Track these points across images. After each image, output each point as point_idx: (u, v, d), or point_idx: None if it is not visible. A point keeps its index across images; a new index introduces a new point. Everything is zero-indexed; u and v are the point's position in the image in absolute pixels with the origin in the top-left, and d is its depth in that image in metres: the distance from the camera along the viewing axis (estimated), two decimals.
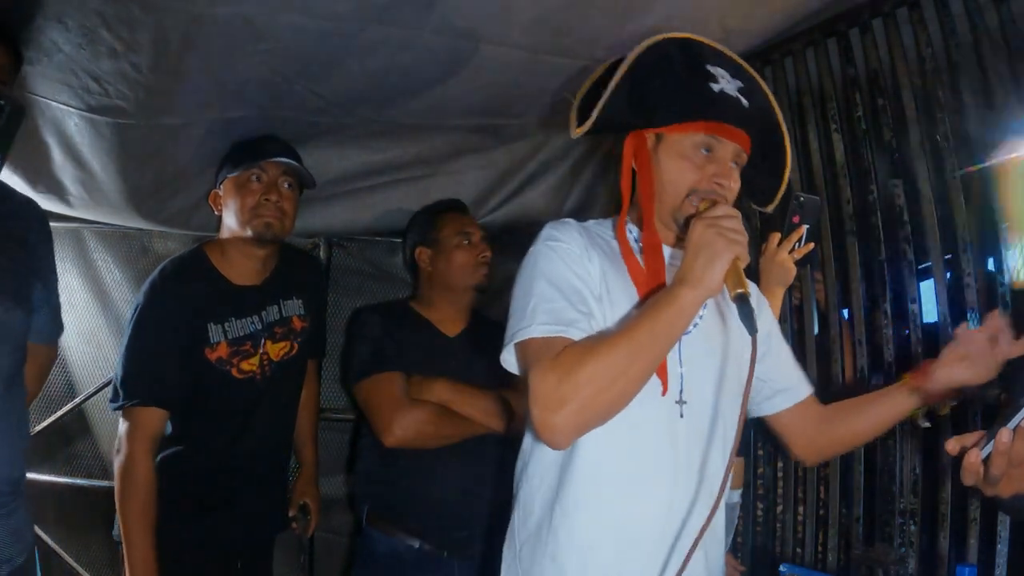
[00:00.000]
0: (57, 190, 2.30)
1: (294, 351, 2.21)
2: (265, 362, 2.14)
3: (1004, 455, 1.04)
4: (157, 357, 2.00)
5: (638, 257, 1.38)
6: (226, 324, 2.08)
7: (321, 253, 2.90)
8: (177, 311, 2.03)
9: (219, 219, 2.14)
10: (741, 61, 1.42)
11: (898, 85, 2.03)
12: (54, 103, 1.90)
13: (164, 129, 2.04)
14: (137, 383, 1.99)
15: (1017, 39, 1.78)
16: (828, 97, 2.21)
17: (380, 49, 1.82)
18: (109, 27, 1.62)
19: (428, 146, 2.43)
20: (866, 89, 2.12)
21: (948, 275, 1.97)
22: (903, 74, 2.01)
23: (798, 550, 2.23)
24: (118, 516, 1.96)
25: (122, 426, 1.99)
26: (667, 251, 1.41)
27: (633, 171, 1.41)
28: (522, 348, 1.27)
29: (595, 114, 1.35)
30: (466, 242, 2.28)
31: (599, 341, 1.19)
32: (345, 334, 2.50)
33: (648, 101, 1.35)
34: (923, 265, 2.06)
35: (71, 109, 1.91)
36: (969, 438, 1.09)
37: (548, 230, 1.38)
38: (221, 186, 2.13)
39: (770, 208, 1.54)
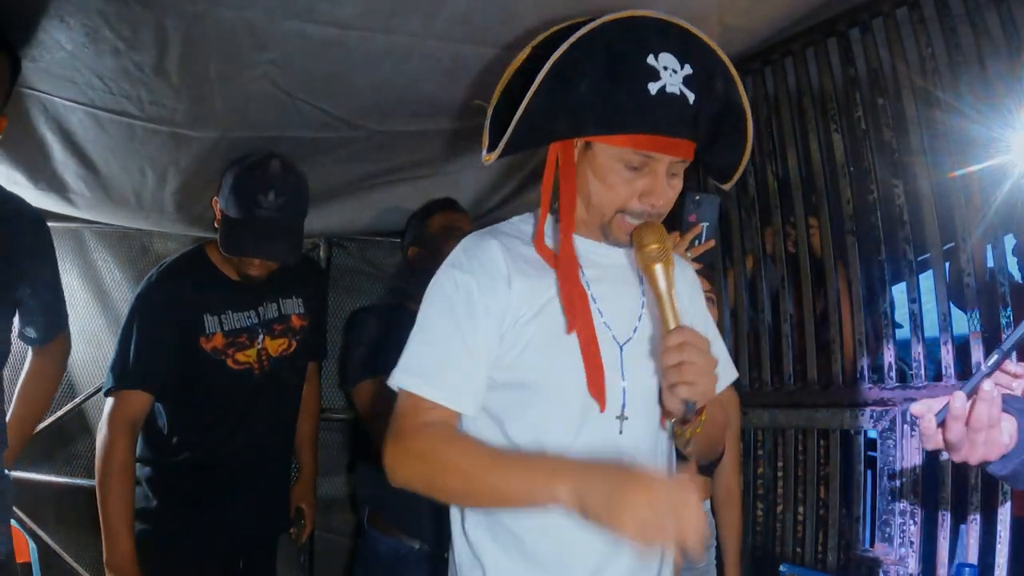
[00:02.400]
0: (58, 187, 2.30)
1: (292, 348, 2.22)
2: (263, 357, 2.16)
3: (959, 420, 1.00)
4: (147, 343, 2.04)
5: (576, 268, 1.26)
6: (222, 316, 2.10)
7: (321, 253, 2.91)
8: (173, 301, 2.06)
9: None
10: (696, 32, 1.21)
11: (898, 85, 2.03)
12: (57, 99, 1.91)
13: (167, 135, 2.05)
14: (125, 367, 2.03)
15: (1017, 39, 1.78)
16: (828, 97, 2.21)
17: (384, 60, 1.82)
18: (111, 26, 1.62)
19: (429, 150, 2.44)
20: (866, 89, 2.12)
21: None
22: (903, 74, 2.01)
23: (798, 550, 2.23)
24: (97, 492, 1.98)
25: (106, 407, 2.03)
26: (598, 247, 1.30)
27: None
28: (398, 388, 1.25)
29: (507, 137, 1.18)
30: (458, 236, 2.27)
31: (449, 456, 1.14)
32: (342, 336, 2.50)
33: (573, 108, 1.18)
34: (922, 257, 2.07)
35: (75, 105, 1.92)
36: (937, 404, 1.05)
37: (459, 254, 1.26)
38: (218, 205, 2.10)
39: (728, 186, 1.39)
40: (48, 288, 1.81)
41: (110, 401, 2.03)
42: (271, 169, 2.03)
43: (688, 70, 1.17)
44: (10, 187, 2.25)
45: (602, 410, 1.21)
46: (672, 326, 1.16)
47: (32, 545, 2.49)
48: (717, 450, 1.48)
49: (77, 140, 2.08)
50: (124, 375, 2.02)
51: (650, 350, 1.28)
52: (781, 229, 2.36)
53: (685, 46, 1.19)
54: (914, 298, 2.03)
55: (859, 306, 2.16)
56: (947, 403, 1.01)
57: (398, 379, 1.22)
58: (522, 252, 1.26)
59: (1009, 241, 2.51)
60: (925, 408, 1.04)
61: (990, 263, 1.96)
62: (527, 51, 1.26)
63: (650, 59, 1.16)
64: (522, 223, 1.34)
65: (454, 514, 1.30)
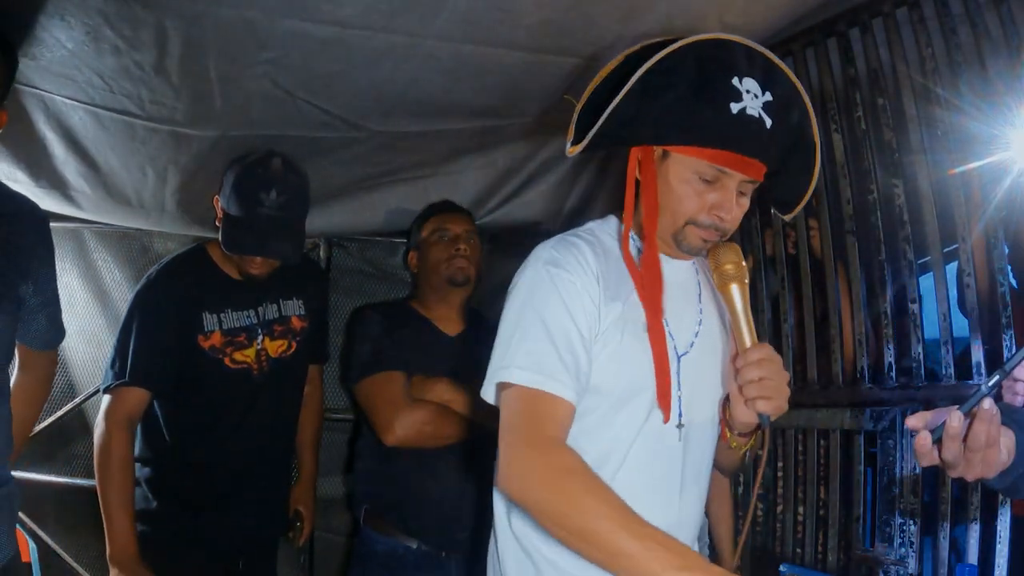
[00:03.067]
0: (60, 186, 2.31)
1: (292, 349, 2.23)
2: (263, 357, 2.16)
3: (955, 439, 1.00)
4: (145, 340, 2.04)
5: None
6: (222, 314, 2.11)
7: (321, 253, 2.91)
8: (172, 299, 2.07)
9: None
10: (779, 63, 1.26)
11: (898, 85, 2.03)
12: (58, 97, 1.91)
13: (167, 133, 2.05)
14: (123, 365, 2.04)
15: (1017, 39, 1.78)
16: (828, 97, 2.21)
17: (385, 59, 1.82)
18: (111, 24, 1.63)
19: (429, 150, 2.44)
20: (866, 89, 2.12)
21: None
22: (903, 74, 2.01)
23: (798, 550, 2.23)
24: (98, 488, 2.00)
25: (103, 404, 2.05)
26: (666, 261, 1.34)
27: (636, 182, 1.31)
28: (501, 388, 1.24)
29: (592, 134, 1.24)
30: (444, 238, 2.28)
31: (582, 498, 1.09)
32: (345, 334, 2.51)
33: (655, 117, 1.23)
34: (922, 260, 2.07)
35: (75, 103, 1.92)
36: (933, 416, 1.05)
37: (550, 252, 1.28)
38: (220, 203, 2.10)
39: (789, 217, 1.44)
40: (48, 287, 1.81)
41: (107, 398, 2.04)
42: (273, 167, 2.03)
43: (768, 97, 1.22)
44: (11, 185, 2.26)
45: (666, 420, 1.26)
46: (749, 343, 1.23)
47: (32, 545, 2.49)
48: None
49: (78, 138, 2.08)
50: (122, 372, 2.03)
51: (706, 363, 1.33)
52: (781, 230, 2.36)
53: (768, 74, 1.24)
54: (914, 298, 2.03)
55: (859, 306, 2.15)
56: (944, 422, 1.00)
57: (516, 376, 1.20)
58: (606, 257, 1.29)
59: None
60: (921, 423, 1.04)
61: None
62: (620, 59, 1.31)
63: (735, 80, 1.20)
64: (600, 230, 1.36)
65: (500, 512, 1.35)
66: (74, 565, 2.83)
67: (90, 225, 2.76)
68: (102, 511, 1.99)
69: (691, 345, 1.32)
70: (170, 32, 1.66)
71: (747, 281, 1.26)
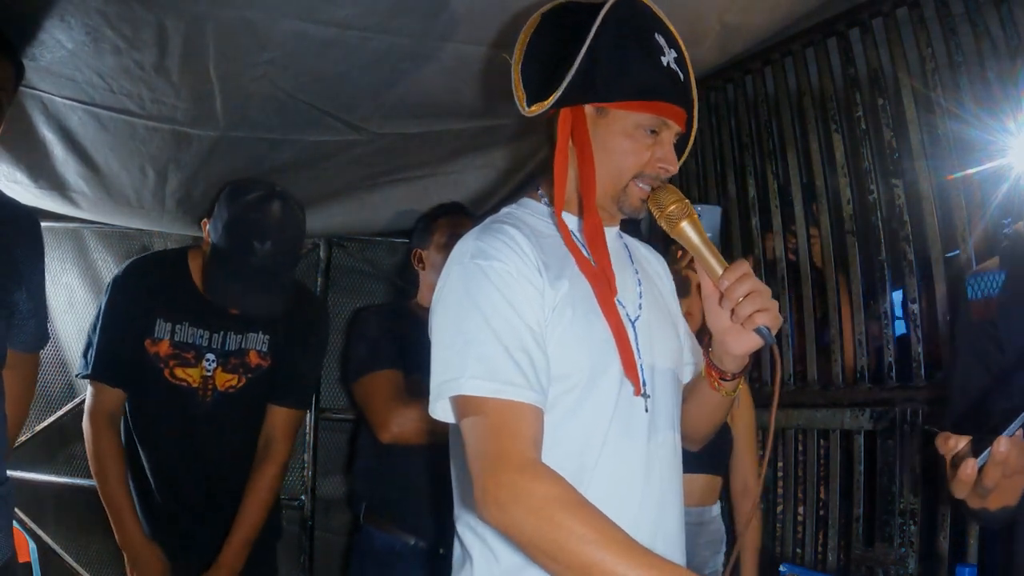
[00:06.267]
0: (59, 186, 2.30)
1: (241, 384, 2.13)
2: (209, 386, 2.10)
3: (1000, 465, 0.97)
4: (105, 335, 2.05)
5: (582, 249, 1.25)
6: (177, 325, 2.06)
7: (321, 253, 2.91)
8: (136, 297, 2.05)
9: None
10: (671, 25, 1.28)
11: (898, 85, 2.04)
12: (57, 98, 1.91)
13: (168, 132, 2.05)
14: (93, 357, 2.05)
15: (1017, 39, 1.78)
16: (828, 97, 2.21)
17: (385, 60, 1.82)
18: (112, 25, 1.63)
19: (429, 151, 2.44)
20: (866, 89, 2.12)
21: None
22: (903, 74, 2.02)
23: (798, 550, 2.23)
24: (96, 482, 2.03)
25: (88, 396, 2.06)
26: (608, 233, 1.28)
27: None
28: (456, 403, 1.13)
29: (564, 86, 1.18)
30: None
31: (573, 528, 1.01)
32: (345, 335, 2.51)
33: (602, 73, 1.20)
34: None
35: (75, 103, 1.92)
36: (960, 440, 1.01)
37: (476, 244, 1.18)
38: (208, 229, 2.06)
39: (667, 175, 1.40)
40: (39, 292, 1.81)
41: (89, 392, 2.06)
42: (271, 214, 1.97)
43: (674, 53, 1.25)
44: (10, 186, 2.26)
45: (637, 393, 1.21)
46: (720, 270, 1.17)
47: (32, 545, 2.49)
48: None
49: (77, 139, 2.08)
50: (94, 366, 2.05)
51: (656, 323, 1.29)
52: (782, 231, 2.36)
53: (667, 31, 1.27)
54: (914, 298, 2.03)
55: (859, 306, 2.16)
56: (983, 448, 0.98)
57: (471, 387, 1.09)
58: (536, 238, 1.23)
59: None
60: (954, 446, 1.00)
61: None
62: (536, 18, 1.27)
63: (656, 36, 1.23)
64: (520, 212, 1.31)
65: (460, 513, 1.27)
66: (74, 565, 2.83)
67: (90, 225, 2.76)
68: (104, 503, 2.01)
69: (640, 308, 1.28)
70: (170, 32, 1.66)
71: (695, 213, 1.21)
